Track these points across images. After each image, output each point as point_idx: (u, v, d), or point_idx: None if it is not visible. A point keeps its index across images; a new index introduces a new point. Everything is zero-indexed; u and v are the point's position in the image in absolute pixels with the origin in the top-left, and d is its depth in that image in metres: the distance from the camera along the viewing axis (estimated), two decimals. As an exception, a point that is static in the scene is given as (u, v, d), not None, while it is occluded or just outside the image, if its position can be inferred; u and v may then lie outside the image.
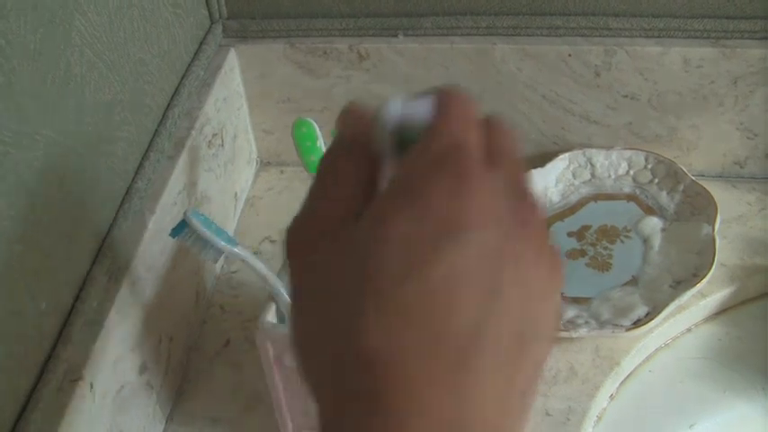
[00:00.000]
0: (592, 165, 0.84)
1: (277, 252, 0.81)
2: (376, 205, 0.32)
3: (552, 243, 0.34)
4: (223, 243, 0.60)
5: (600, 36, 0.78)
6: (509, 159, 0.34)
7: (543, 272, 0.33)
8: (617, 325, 0.69)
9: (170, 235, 0.60)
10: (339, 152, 0.35)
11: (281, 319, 0.61)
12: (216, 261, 0.62)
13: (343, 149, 0.35)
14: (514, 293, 0.31)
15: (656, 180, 0.82)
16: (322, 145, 0.67)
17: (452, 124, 0.33)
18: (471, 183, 0.31)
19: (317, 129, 0.67)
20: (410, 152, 0.33)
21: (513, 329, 0.31)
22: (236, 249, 0.61)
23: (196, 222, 0.59)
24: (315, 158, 0.66)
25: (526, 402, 0.32)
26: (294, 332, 0.34)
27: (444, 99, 0.35)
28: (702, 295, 0.73)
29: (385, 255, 0.30)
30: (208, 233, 0.59)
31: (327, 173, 0.35)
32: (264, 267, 0.61)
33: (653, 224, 0.78)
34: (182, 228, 0.60)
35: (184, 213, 0.60)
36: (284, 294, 0.61)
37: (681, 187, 0.80)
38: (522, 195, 0.34)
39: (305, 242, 0.34)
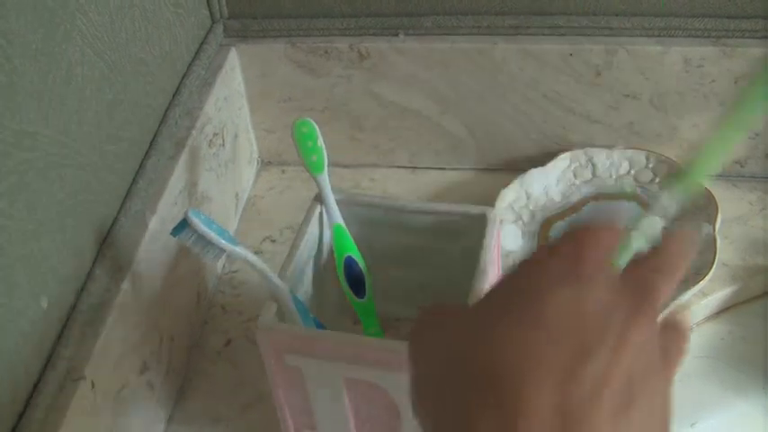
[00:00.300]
0: (593, 164, 0.84)
1: (278, 251, 0.81)
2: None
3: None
4: (224, 242, 0.60)
5: (601, 35, 0.78)
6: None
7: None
8: (618, 324, 0.69)
9: (171, 234, 0.60)
10: None
11: (281, 318, 0.61)
12: (217, 261, 0.62)
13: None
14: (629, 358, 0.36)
15: (657, 179, 0.82)
16: (323, 144, 0.67)
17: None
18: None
19: (317, 128, 0.67)
20: None
21: (621, 388, 0.35)
22: (237, 249, 0.61)
23: (197, 222, 0.59)
24: (316, 158, 0.66)
25: None
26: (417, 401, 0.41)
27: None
28: (704, 294, 0.73)
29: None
30: (209, 233, 0.59)
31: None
32: (265, 266, 0.61)
33: (653, 224, 0.78)
34: (182, 227, 0.60)
35: (185, 213, 0.60)
36: (285, 292, 0.61)
37: (682, 187, 0.79)
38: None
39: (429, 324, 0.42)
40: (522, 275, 0.39)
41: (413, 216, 0.67)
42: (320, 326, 0.65)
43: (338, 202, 0.68)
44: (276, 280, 0.61)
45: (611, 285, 0.38)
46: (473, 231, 0.65)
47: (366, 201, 0.69)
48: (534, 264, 0.40)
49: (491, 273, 0.62)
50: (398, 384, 0.57)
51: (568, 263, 0.38)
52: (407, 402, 0.58)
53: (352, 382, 0.58)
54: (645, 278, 0.39)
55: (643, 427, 0.35)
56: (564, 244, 0.40)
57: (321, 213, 0.67)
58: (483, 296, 0.40)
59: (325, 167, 0.66)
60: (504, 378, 0.34)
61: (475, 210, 0.65)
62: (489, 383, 0.35)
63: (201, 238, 0.59)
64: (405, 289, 0.72)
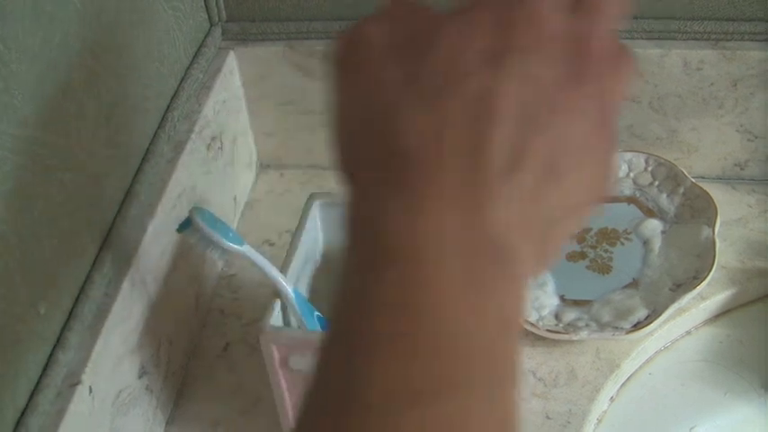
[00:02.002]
0: (592, 167, 0.84)
1: (277, 254, 0.80)
2: (436, 16, 0.34)
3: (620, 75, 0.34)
4: (227, 242, 0.60)
5: (600, 38, 0.78)
6: None
7: (588, 119, 0.33)
8: (617, 327, 0.69)
9: (176, 230, 0.60)
10: None
11: (285, 316, 0.61)
12: (223, 259, 0.62)
13: None
14: (555, 126, 0.32)
15: (657, 182, 0.81)
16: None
17: None
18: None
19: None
20: None
21: (543, 161, 0.32)
22: (240, 248, 0.60)
23: (200, 222, 0.59)
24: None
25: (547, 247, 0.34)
26: (338, 123, 0.37)
27: None
28: (702, 298, 0.73)
29: (429, 64, 0.32)
30: (212, 232, 0.59)
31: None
32: (268, 263, 0.61)
33: (653, 227, 0.78)
34: (188, 224, 0.60)
35: (190, 211, 0.60)
36: (289, 291, 0.61)
37: (681, 190, 0.79)
38: (589, 16, 0.34)
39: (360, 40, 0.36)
40: (448, 49, 0.33)
41: None
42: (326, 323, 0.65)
43: (323, 205, 0.68)
44: (280, 278, 0.61)
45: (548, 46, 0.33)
46: None
47: None
48: (456, 37, 0.33)
49: None
50: None
51: (489, 38, 0.33)
52: None
53: None
54: (582, 34, 0.33)
55: (572, 196, 0.33)
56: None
57: (316, 213, 0.67)
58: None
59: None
60: (411, 162, 0.31)
61: None
62: (398, 167, 0.32)
63: (206, 236, 0.59)
64: None
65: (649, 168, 0.82)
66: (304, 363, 0.58)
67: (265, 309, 0.60)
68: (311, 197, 0.68)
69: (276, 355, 0.59)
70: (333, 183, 0.77)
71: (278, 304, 0.61)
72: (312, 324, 0.63)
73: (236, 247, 0.60)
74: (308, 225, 0.66)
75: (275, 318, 0.60)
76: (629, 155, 0.83)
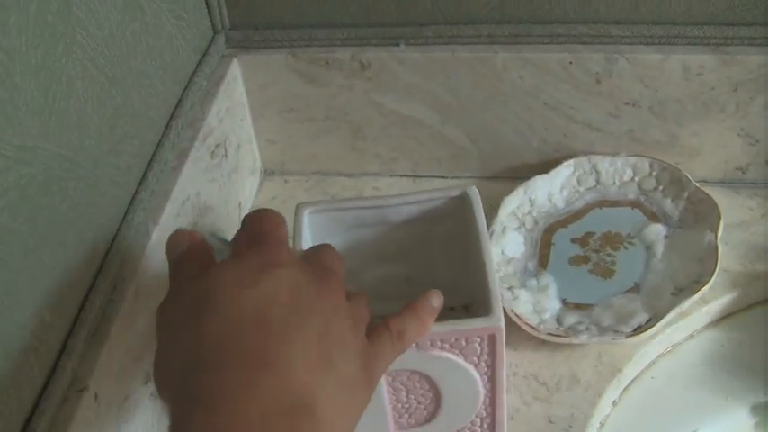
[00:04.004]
0: (597, 171, 0.84)
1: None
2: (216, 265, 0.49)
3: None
4: None
5: (600, 44, 0.78)
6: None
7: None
8: (618, 331, 0.69)
9: None
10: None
11: None
12: None
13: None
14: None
15: (661, 187, 0.82)
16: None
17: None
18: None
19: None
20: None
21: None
22: None
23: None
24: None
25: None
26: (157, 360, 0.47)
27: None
28: (704, 301, 0.73)
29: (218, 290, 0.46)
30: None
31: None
32: None
33: (656, 231, 0.78)
34: None
35: (203, 236, 0.60)
36: None
37: (685, 194, 0.80)
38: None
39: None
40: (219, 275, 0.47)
41: (396, 209, 0.68)
42: None
43: (319, 211, 0.68)
44: None
45: (299, 266, 0.48)
46: (453, 214, 0.66)
47: (347, 205, 0.69)
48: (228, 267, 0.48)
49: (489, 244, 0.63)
50: (442, 366, 0.58)
51: (259, 258, 0.48)
52: (449, 384, 0.58)
53: (392, 373, 0.59)
54: (324, 259, 0.51)
55: (343, 374, 0.45)
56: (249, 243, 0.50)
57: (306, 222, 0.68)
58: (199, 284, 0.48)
59: None
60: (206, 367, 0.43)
61: (456, 191, 0.66)
62: (200, 376, 0.42)
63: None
64: (392, 285, 0.72)
65: (654, 173, 0.82)
66: None
67: None
68: (299, 207, 0.68)
69: None
70: (336, 188, 0.78)
71: None
72: None
73: None
74: (304, 234, 0.67)
75: None
76: (633, 159, 0.83)
